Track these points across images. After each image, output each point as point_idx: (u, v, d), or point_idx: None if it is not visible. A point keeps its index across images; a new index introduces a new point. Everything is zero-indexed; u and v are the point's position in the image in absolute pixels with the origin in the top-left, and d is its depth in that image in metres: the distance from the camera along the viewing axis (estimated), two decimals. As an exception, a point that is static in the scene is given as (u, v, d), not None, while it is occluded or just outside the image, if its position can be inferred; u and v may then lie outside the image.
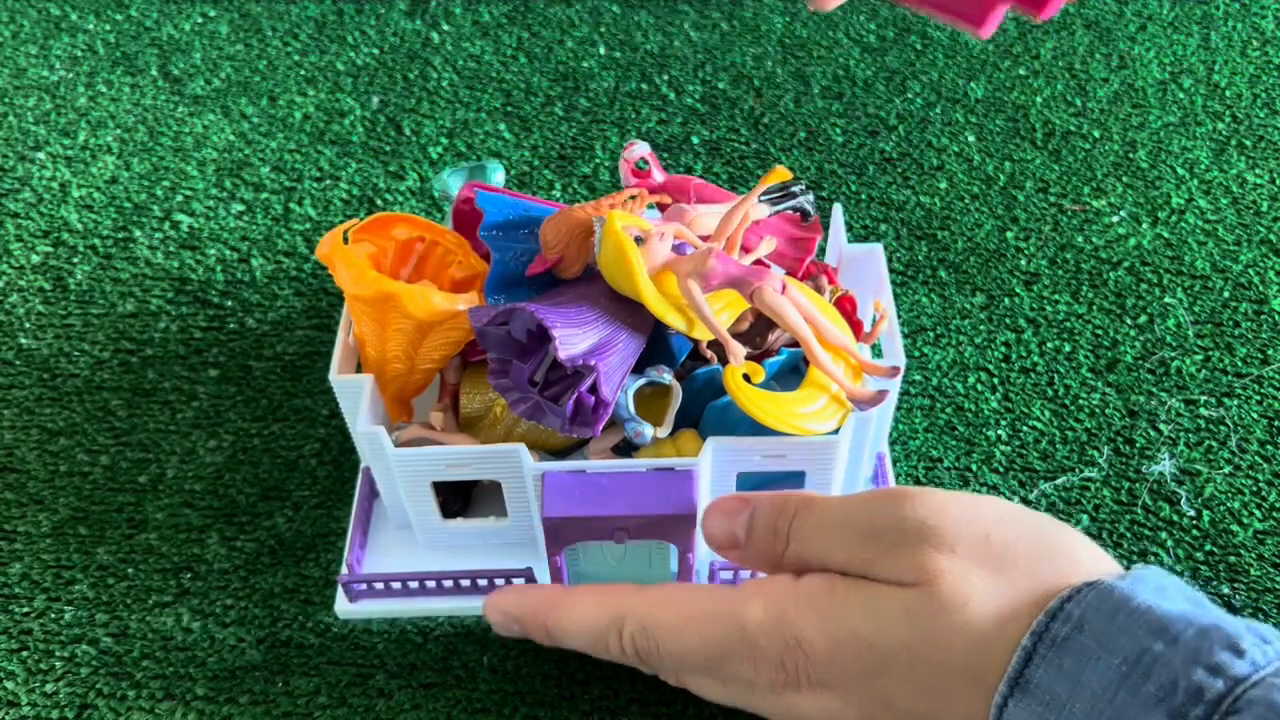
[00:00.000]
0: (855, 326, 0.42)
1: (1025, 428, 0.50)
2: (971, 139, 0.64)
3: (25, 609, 0.46)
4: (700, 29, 0.71)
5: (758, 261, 0.42)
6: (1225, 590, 0.45)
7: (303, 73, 0.68)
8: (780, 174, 0.43)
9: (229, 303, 0.56)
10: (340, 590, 0.44)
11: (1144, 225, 0.60)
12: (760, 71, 0.68)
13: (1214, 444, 0.50)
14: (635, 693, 0.43)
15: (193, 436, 0.51)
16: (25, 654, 0.44)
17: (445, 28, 0.71)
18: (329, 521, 0.48)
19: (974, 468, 0.49)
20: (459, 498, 0.45)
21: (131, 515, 0.48)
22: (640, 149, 0.46)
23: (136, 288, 0.57)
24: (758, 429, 0.38)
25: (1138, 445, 0.50)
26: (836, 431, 0.39)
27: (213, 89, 0.67)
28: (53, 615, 0.45)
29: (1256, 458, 0.49)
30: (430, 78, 0.68)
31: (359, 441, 0.44)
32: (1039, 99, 0.66)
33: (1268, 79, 0.67)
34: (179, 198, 0.61)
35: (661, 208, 0.44)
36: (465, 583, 0.43)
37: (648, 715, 0.43)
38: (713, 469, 0.40)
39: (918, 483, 0.49)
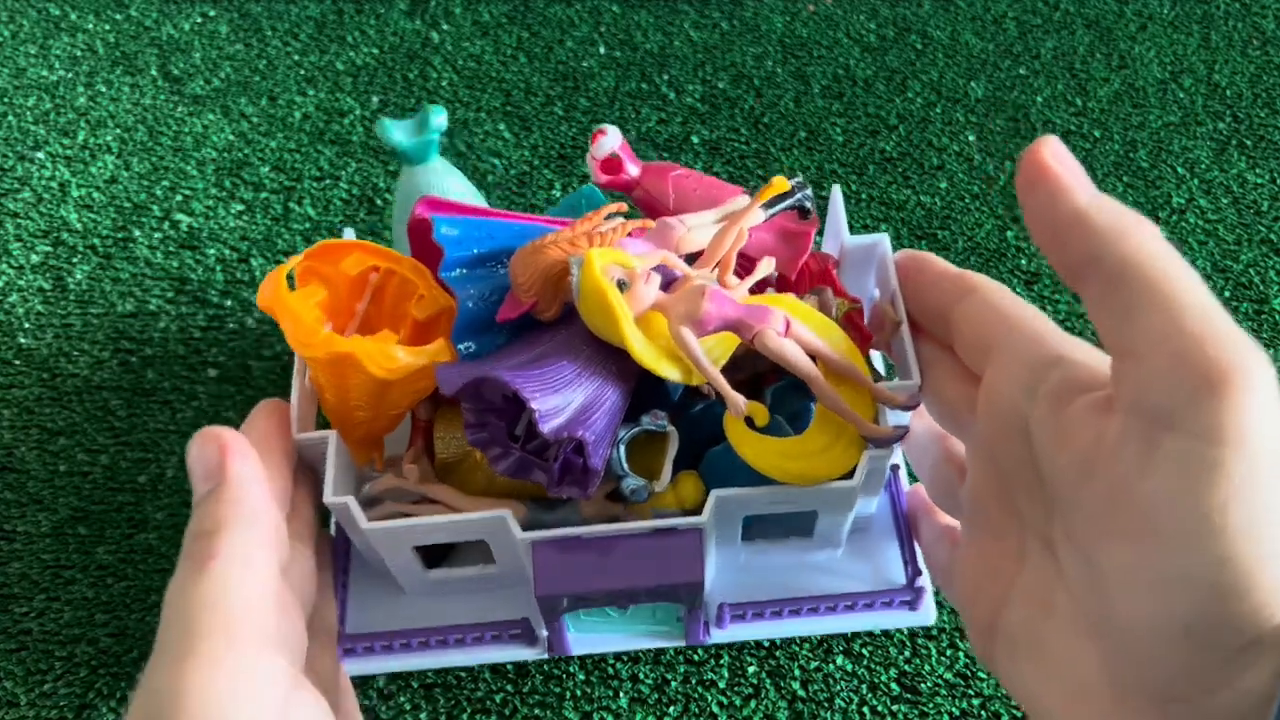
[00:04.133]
0: (864, 338, 0.38)
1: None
2: (972, 138, 0.64)
3: (24, 609, 0.45)
4: (700, 29, 0.70)
5: (758, 284, 0.38)
6: (1226, 590, 0.45)
7: (302, 72, 0.68)
8: (779, 185, 0.39)
9: (229, 302, 0.56)
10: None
11: (1144, 225, 0.60)
12: (760, 71, 0.68)
13: (1215, 444, 0.49)
14: (636, 693, 0.43)
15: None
16: (24, 654, 0.44)
17: (445, 27, 0.71)
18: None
19: (974, 468, 0.49)
20: (441, 546, 0.42)
21: (131, 515, 0.48)
22: (609, 142, 0.41)
23: (136, 287, 0.57)
24: (760, 474, 0.36)
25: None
26: (852, 473, 0.36)
27: (212, 89, 0.67)
28: (52, 615, 0.45)
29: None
30: (430, 77, 0.68)
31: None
32: (1039, 98, 0.66)
33: (1268, 79, 0.67)
34: (179, 197, 0.61)
35: (648, 208, 0.40)
36: (457, 637, 0.41)
37: (648, 715, 0.43)
38: (716, 519, 0.37)
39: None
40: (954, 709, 0.43)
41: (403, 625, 0.40)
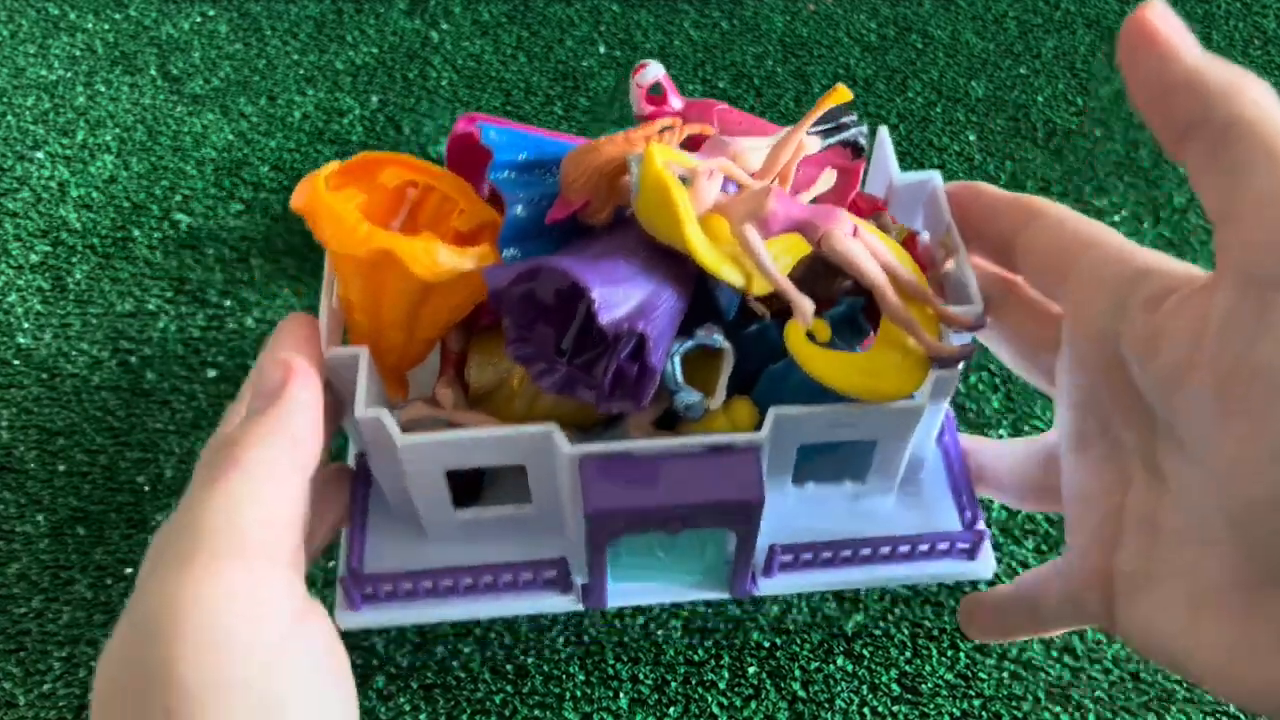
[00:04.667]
0: (921, 266, 0.36)
1: (1027, 428, 0.50)
2: (973, 138, 0.64)
3: (23, 609, 0.45)
4: (700, 28, 0.70)
5: (816, 200, 0.37)
6: (1227, 591, 0.45)
7: (302, 72, 0.68)
8: (840, 94, 0.36)
9: (228, 302, 0.56)
10: (340, 595, 0.38)
11: (1145, 225, 0.59)
12: (761, 70, 0.68)
13: (1216, 444, 0.49)
14: (636, 693, 0.43)
15: (192, 436, 0.51)
16: (23, 654, 0.44)
17: (445, 27, 0.71)
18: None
19: (975, 468, 0.49)
20: (470, 484, 0.40)
21: (131, 515, 0.48)
22: (654, 71, 0.40)
23: (135, 287, 0.57)
24: (819, 394, 0.33)
25: (1139, 445, 0.49)
26: (915, 395, 0.33)
27: (212, 88, 0.67)
28: (50, 616, 0.45)
29: (1259, 458, 0.49)
30: (430, 77, 0.68)
31: (355, 428, 0.37)
32: (1040, 98, 0.66)
33: (1269, 79, 0.67)
34: (178, 197, 0.61)
35: (694, 144, 0.37)
36: (487, 579, 0.37)
37: (648, 716, 0.43)
38: (772, 443, 0.35)
39: (919, 483, 0.49)
40: (954, 709, 0.43)
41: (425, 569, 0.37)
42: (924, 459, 0.40)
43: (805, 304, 0.31)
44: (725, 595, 0.38)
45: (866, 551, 0.38)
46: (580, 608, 0.38)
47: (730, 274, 0.32)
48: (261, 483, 0.28)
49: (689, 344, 0.34)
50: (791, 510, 0.39)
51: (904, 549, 0.38)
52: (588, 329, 0.33)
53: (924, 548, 0.38)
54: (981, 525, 0.39)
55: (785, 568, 0.38)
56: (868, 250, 0.32)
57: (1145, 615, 0.28)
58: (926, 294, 0.33)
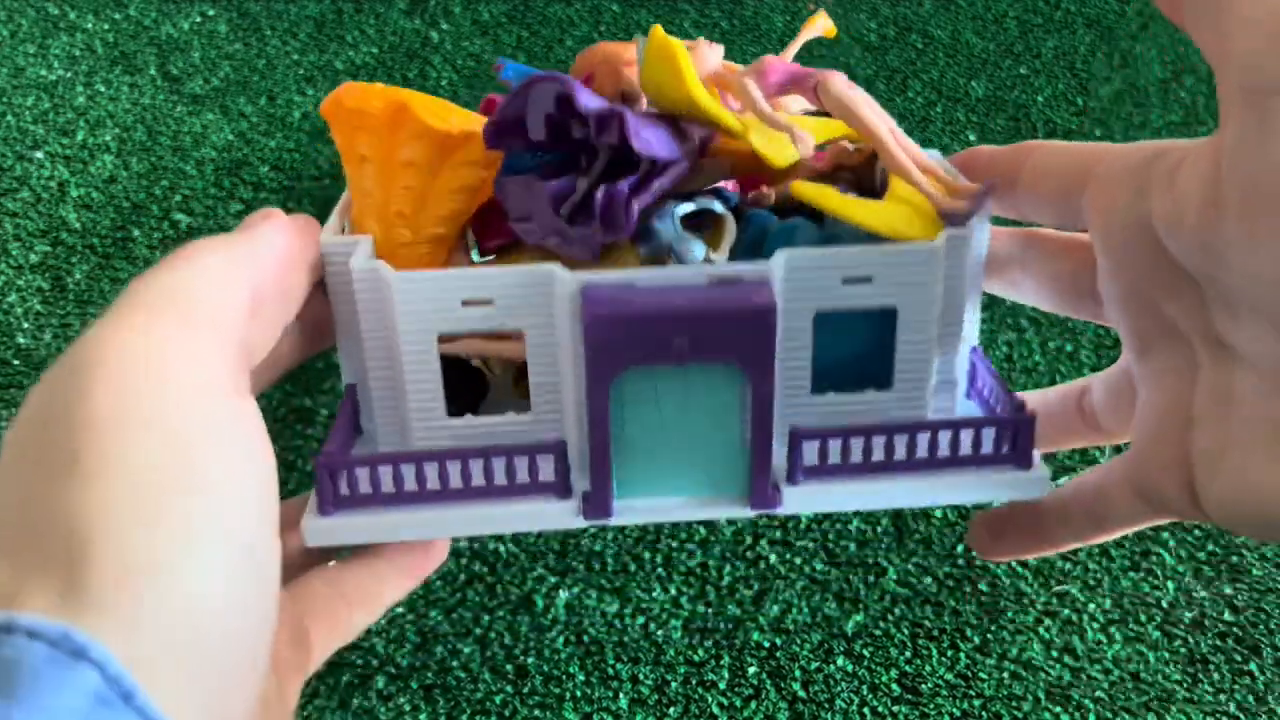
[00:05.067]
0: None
1: (1027, 427, 0.50)
2: (973, 138, 0.64)
3: (23, 610, 0.45)
4: (700, 28, 0.70)
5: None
6: (1228, 590, 0.45)
7: (301, 72, 0.68)
8: (823, 22, 0.36)
9: (228, 302, 0.56)
10: (312, 498, 0.33)
11: (1145, 224, 0.60)
12: (761, 70, 0.68)
13: (1216, 444, 0.49)
14: (636, 694, 0.43)
15: (191, 436, 0.51)
16: (23, 655, 0.44)
17: (444, 26, 0.71)
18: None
19: (975, 468, 0.49)
20: (464, 403, 0.37)
21: (130, 516, 0.48)
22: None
23: (135, 287, 0.57)
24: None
25: (1140, 445, 0.50)
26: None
27: (211, 88, 0.67)
28: (51, 616, 0.45)
29: (1259, 458, 0.49)
30: (430, 76, 0.68)
31: (346, 332, 0.35)
32: (1040, 98, 0.66)
33: None
34: (178, 197, 0.61)
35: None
36: (479, 480, 0.33)
37: (648, 716, 0.43)
38: (785, 296, 0.33)
39: (919, 483, 0.49)
40: (955, 709, 0.43)
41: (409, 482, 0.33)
42: (955, 380, 0.37)
43: (803, 133, 0.31)
44: (744, 509, 0.34)
45: (902, 447, 0.34)
46: (580, 522, 0.33)
47: (729, 119, 0.32)
48: (215, 272, 0.27)
49: (689, 205, 0.33)
50: (813, 424, 0.37)
51: (945, 443, 0.34)
52: (588, 193, 0.32)
53: (968, 439, 0.34)
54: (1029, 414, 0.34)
55: (811, 475, 0.34)
56: (868, 99, 0.32)
57: (1232, 483, 0.28)
58: (925, 159, 0.33)
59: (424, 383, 0.34)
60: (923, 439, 0.33)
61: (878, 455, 0.33)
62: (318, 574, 0.34)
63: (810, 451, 0.33)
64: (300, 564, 0.34)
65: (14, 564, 0.22)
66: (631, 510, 0.33)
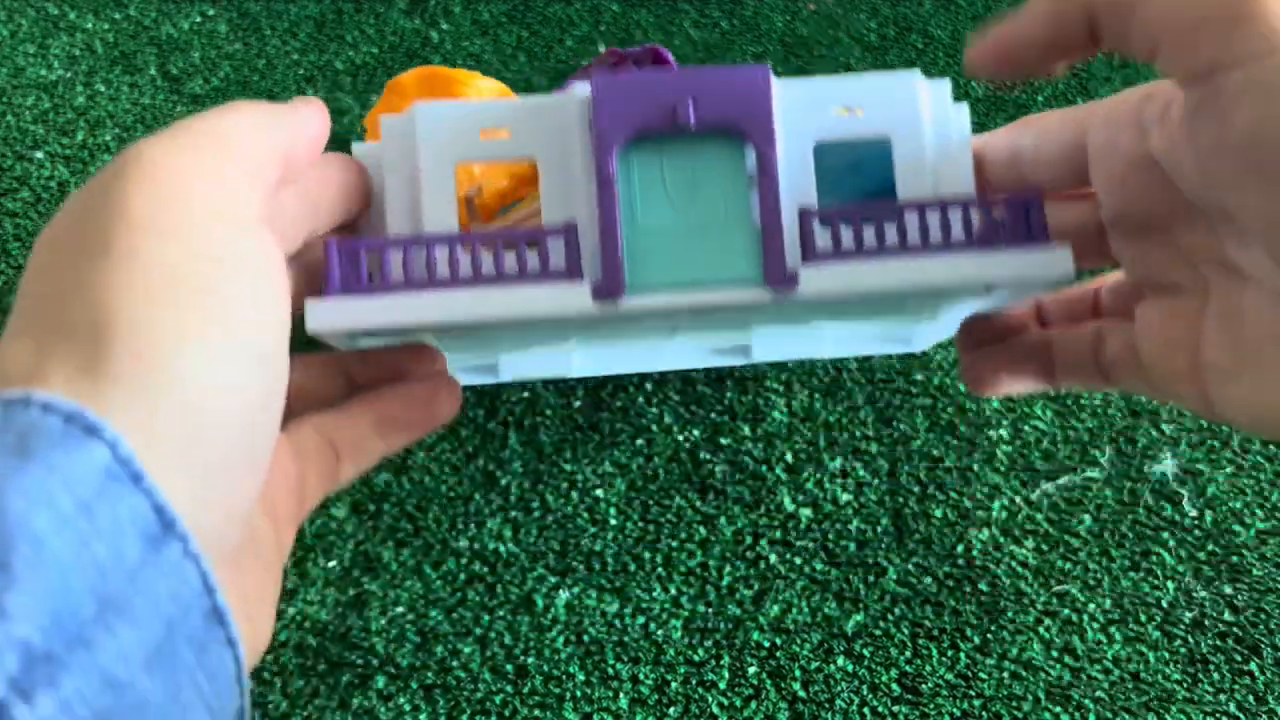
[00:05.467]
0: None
1: (1027, 427, 0.50)
2: (972, 138, 0.64)
3: (23, 610, 0.45)
4: (700, 28, 0.70)
5: None
6: (1228, 590, 0.45)
7: (301, 72, 0.68)
8: None
9: (228, 302, 0.56)
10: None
11: (1145, 224, 0.59)
12: (761, 70, 0.68)
13: (1216, 444, 0.49)
14: (636, 693, 0.43)
15: (191, 437, 0.51)
16: (23, 655, 0.44)
17: (445, 26, 0.71)
18: (329, 522, 0.47)
19: (975, 467, 0.49)
20: None
21: (130, 516, 0.48)
22: None
23: (135, 287, 0.57)
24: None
25: (1140, 445, 0.49)
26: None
27: (211, 88, 0.67)
28: (51, 616, 0.45)
29: (1259, 457, 0.49)
30: (430, 77, 0.68)
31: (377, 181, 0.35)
32: (1040, 98, 0.66)
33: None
34: (178, 197, 0.61)
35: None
36: (489, 269, 0.32)
37: (648, 716, 0.43)
38: (785, 127, 0.33)
39: (919, 482, 0.49)
40: (955, 709, 0.43)
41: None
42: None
43: None
44: (762, 293, 0.32)
45: (914, 227, 0.33)
46: (591, 305, 0.32)
47: None
48: (250, 124, 0.28)
49: None
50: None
51: (958, 223, 0.33)
52: None
53: (977, 220, 0.33)
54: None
55: (826, 257, 0.33)
56: None
57: (1248, 398, 0.29)
58: None
59: (441, 205, 0.33)
60: (933, 218, 0.33)
61: (891, 239, 0.33)
62: (309, 420, 0.34)
63: (824, 237, 0.33)
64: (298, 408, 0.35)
65: (40, 344, 0.23)
66: (645, 301, 0.32)
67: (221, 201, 0.26)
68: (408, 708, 0.43)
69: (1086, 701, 0.43)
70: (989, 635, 0.45)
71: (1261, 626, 0.45)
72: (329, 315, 0.31)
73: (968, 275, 0.33)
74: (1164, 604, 0.45)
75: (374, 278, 0.32)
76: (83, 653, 0.20)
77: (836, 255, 0.33)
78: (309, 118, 0.32)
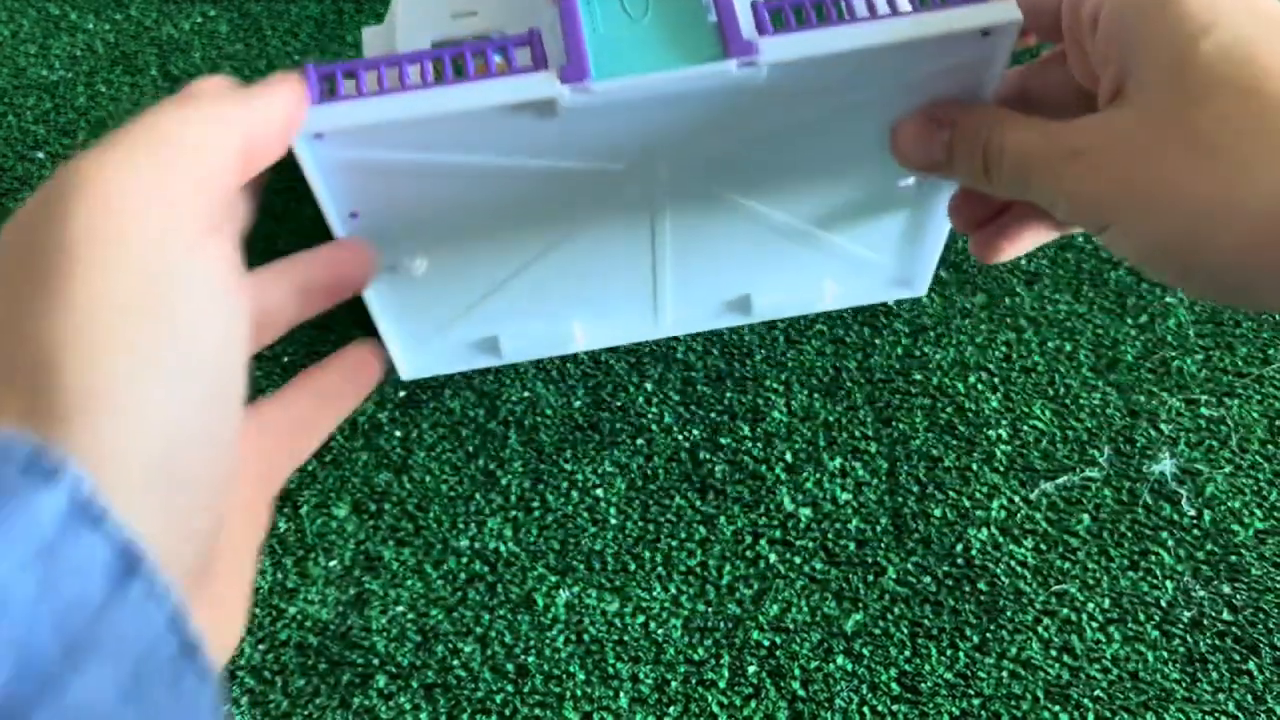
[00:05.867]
0: None
1: (1026, 427, 0.50)
2: (972, 138, 0.64)
3: (25, 609, 0.45)
4: (700, 28, 0.70)
5: None
6: (1226, 590, 0.45)
7: (302, 72, 0.68)
8: None
9: (229, 302, 0.56)
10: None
11: (1145, 224, 0.59)
12: (760, 70, 0.68)
13: (1215, 443, 0.49)
14: (636, 693, 0.43)
15: (193, 436, 0.51)
16: (25, 654, 0.44)
17: (445, 27, 0.71)
18: (330, 521, 0.47)
19: (974, 467, 0.49)
20: None
21: (131, 515, 0.48)
22: None
23: (136, 287, 0.57)
24: None
25: (1138, 445, 0.50)
26: None
27: (212, 88, 0.67)
28: (53, 616, 0.45)
29: (1257, 457, 0.49)
30: (430, 77, 0.68)
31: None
32: None
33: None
34: (179, 197, 0.61)
35: None
36: (454, 58, 0.34)
37: (648, 715, 0.43)
38: None
39: (918, 482, 0.49)
40: (954, 709, 0.43)
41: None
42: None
43: None
44: (726, 65, 0.34)
45: (862, 6, 0.35)
46: (558, 89, 0.34)
47: None
48: (208, 113, 0.28)
49: None
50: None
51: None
52: None
53: None
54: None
55: (781, 29, 0.34)
56: None
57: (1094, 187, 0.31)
58: None
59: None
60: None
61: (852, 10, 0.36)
62: (268, 402, 0.34)
63: (778, 22, 0.35)
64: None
65: None
66: (613, 86, 0.34)
67: (165, 219, 0.25)
68: (408, 707, 0.43)
69: (1085, 701, 0.44)
70: (988, 634, 0.45)
71: (1260, 626, 0.45)
72: (313, 122, 0.34)
73: (913, 32, 0.34)
74: (1163, 603, 0.45)
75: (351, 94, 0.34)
76: (52, 693, 0.20)
77: (793, 28, 0.34)
78: (274, 100, 0.30)
